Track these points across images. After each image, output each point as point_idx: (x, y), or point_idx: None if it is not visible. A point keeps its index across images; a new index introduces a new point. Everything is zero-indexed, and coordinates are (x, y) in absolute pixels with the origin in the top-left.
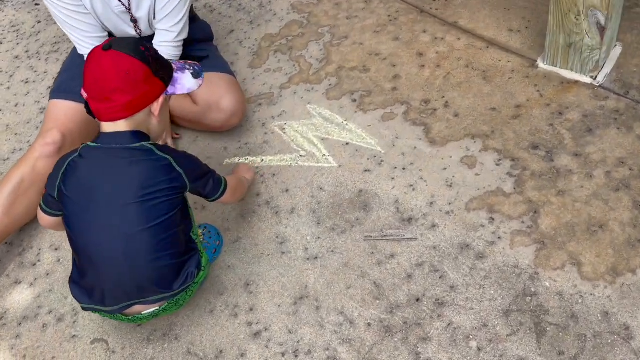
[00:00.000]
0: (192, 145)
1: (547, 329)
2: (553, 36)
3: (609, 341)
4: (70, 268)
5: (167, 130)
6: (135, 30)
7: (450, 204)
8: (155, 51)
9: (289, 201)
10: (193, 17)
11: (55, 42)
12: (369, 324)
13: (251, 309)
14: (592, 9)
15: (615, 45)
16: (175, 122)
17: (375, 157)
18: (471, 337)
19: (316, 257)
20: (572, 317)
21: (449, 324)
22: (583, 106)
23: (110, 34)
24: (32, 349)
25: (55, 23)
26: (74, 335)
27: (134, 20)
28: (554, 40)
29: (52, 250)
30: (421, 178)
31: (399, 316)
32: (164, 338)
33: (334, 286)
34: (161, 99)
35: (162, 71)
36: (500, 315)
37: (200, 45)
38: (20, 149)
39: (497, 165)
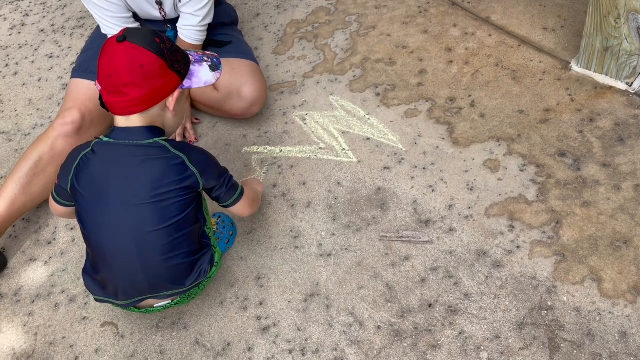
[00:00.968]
0: (211, 131)
1: (562, 345)
2: (589, 38)
3: None
4: (85, 249)
5: (187, 116)
6: (160, 13)
7: (469, 208)
8: (172, 43)
9: (306, 195)
10: (219, 0)
11: (81, 17)
12: (379, 327)
13: (261, 303)
14: (634, 12)
15: None
16: (195, 107)
17: (395, 154)
18: (482, 348)
19: (329, 254)
20: (589, 334)
21: (460, 333)
22: (616, 114)
23: (135, 15)
24: (44, 327)
25: None
26: (85, 317)
27: (159, 3)
28: (590, 42)
29: (68, 229)
30: (441, 179)
31: (410, 321)
32: (172, 326)
33: (346, 285)
34: (176, 93)
35: (178, 64)
36: (513, 327)
37: (224, 30)
38: (42, 125)
39: (521, 170)
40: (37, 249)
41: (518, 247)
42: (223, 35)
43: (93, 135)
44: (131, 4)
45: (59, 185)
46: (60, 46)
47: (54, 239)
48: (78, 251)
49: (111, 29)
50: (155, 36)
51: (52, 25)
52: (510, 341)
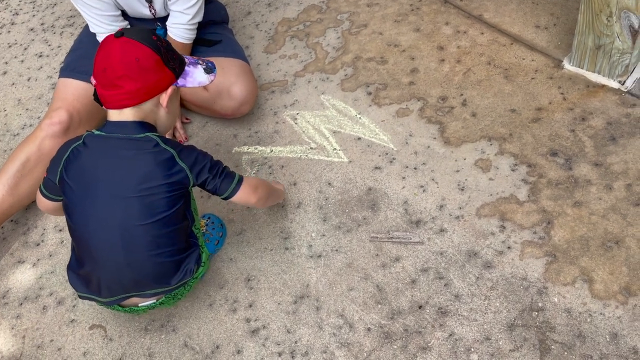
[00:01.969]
0: (201, 130)
1: (552, 346)
2: (581, 37)
3: None
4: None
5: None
6: (150, 11)
7: (460, 208)
8: (168, 43)
9: (296, 195)
10: None
11: (71, 16)
12: (369, 329)
13: (250, 305)
14: (626, 10)
15: None
16: (185, 107)
17: (387, 154)
18: (472, 349)
19: (320, 256)
20: (579, 336)
21: (450, 335)
22: (608, 112)
23: (124, 14)
24: (32, 330)
25: None
26: (73, 320)
27: (149, 0)
28: (582, 41)
29: (57, 231)
30: (432, 179)
31: (400, 323)
32: (161, 329)
33: (336, 287)
34: (169, 90)
35: (173, 62)
36: (504, 329)
37: (214, 28)
38: (31, 125)
39: (513, 170)
40: (25, 250)
41: (509, 247)
42: (213, 34)
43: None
44: (120, 2)
45: (47, 178)
46: (50, 45)
47: (42, 241)
48: (66, 253)
49: (99, 27)
50: (152, 34)
51: (41, 24)
52: (500, 343)
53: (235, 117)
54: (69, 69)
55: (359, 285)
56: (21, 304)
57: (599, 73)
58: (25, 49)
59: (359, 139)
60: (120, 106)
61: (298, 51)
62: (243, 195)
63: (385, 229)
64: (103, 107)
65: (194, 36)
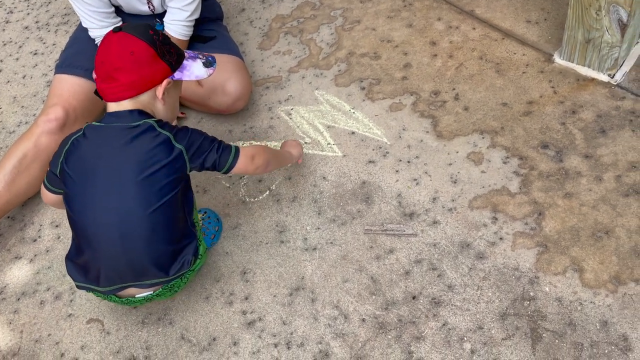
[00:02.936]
0: (196, 126)
1: (543, 335)
2: (571, 31)
3: (606, 351)
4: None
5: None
6: (149, 7)
7: (453, 200)
8: (166, 37)
9: (291, 189)
10: None
11: (66, 14)
12: (364, 320)
13: (246, 298)
14: (614, 4)
15: (637, 43)
16: (180, 102)
17: (380, 148)
18: (465, 338)
19: (315, 248)
20: (570, 324)
21: (443, 324)
22: (598, 105)
23: (120, 11)
24: (29, 325)
25: None
26: (71, 314)
27: None
28: (572, 35)
29: (53, 227)
30: (425, 172)
31: (394, 313)
32: (158, 322)
33: (331, 279)
34: (165, 83)
35: (170, 55)
36: (496, 318)
37: (209, 25)
38: (26, 122)
39: (504, 163)
40: (22, 246)
41: (501, 238)
42: (208, 31)
43: None
44: None
45: (50, 171)
46: (44, 43)
47: (39, 237)
48: (63, 248)
49: (92, 24)
50: (149, 29)
51: (36, 22)
52: (493, 332)
53: (230, 113)
54: (65, 65)
55: (354, 277)
56: (18, 299)
57: (588, 67)
58: (20, 47)
59: (353, 133)
60: (117, 98)
61: (292, 47)
62: (241, 166)
63: (379, 222)
64: (102, 100)
65: (191, 32)
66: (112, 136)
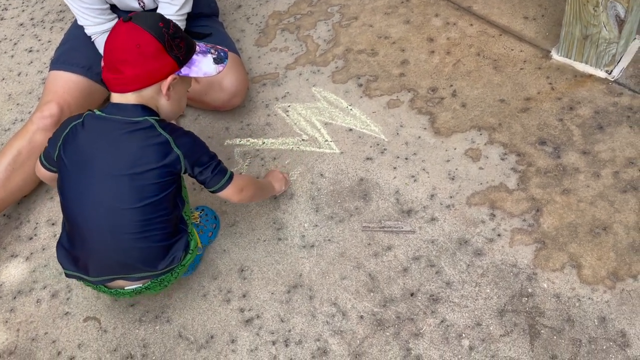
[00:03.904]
0: (193, 123)
1: (542, 331)
2: (569, 27)
3: (604, 347)
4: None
5: None
6: (139, 3)
7: (451, 197)
8: (177, 30)
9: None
10: None
11: (61, 11)
12: (362, 317)
13: (244, 295)
14: (612, 0)
15: (635, 39)
16: None
17: (378, 145)
18: (464, 335)
19: (312, 246)
20: (568, 320)
21: (442, 321)
22: (595, 102)
23: (114, 7)
24: (26, 323)
25: None
26: (67, 312)
27: None
28: (569, 31)
29: (49, 225)
30: (423, 169)
31: (392, 310)
32: (155, 320)
33: (329, 276)
34: (170, 78)
35: (178, 50)
36: (494, 314)
37: (204, 21)
38: (22, 120)
39: (502, 159)
40: (18, 245)
41: (499, 235)
42: (203, 27)
43: None
44: None
45: (47, 149)
46: (40, 40)
47: (35, 235)
48: None
49: (86, 20)
50: (160, 21)
51: (31, 19)
52: (491, 328)
53: (226, 110)
54: (59, 62)
55: (352, 274)
56: (15, 297)
57: (586, 63)
58: (15, 44)
59: (350, 130)
60: (121, 90)
61: (289, 44)
62: (228, 194)
63: (377, 219)
64: (108, 90)
65: (183, 26)
66: (111, 129)
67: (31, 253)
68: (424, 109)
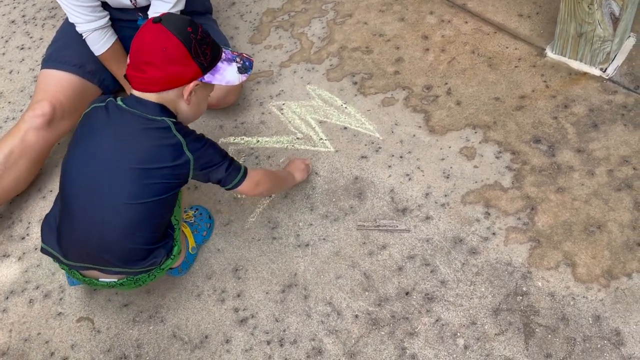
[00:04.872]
0: None
1: (536, 330)
2: (563, 25)
3: (599, 346)
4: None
5: None
6: (130, 0)
7: (446, 195)
8: (205, 36)
9: None
10: None
11: (53, 8)
12: (357, 316)
13: (239, 295)
14: None
15: (629, 37)
16: None
17: (372, 143)
18: (459, 334)
19: (307, 245)
20: (563, 319)
21: (437, 320)
22: (590, 100)
23: (105, 5)
24: (18, 324)
25: None
26: (60, 313)
27: None
28: (564, 29)
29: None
30: (418, 167)
31: (387, 309)
32: (149, 320)
33: (324, 275)
34: (192, 84)
35: (204, 57)
36: (489, 313)
37: (197, 19)
38: (14, 118)
39: (497, 157)
40: (11, 244)
41: (494, 233)
42: None
43: (65, 127)
44: None
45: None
46: (31, 37)
47: (28, 235)
48: None
49: (78, 18)
50: (189, 25)
51: (23, 16)
52: (486, 327)
53: (220, 108)
54: (51, 60)
55: (347, 273)
56: (7, 297)
57: (581, 61)
58: (7, 41)
59: (345, 128)
60: (142, 89)
61: (283, 41)
62: (244, 189)
63: (372, 217)
64: (130, 86)
65: None
66: (129, 121)
67: (23, 253)
68: (418, 107)
